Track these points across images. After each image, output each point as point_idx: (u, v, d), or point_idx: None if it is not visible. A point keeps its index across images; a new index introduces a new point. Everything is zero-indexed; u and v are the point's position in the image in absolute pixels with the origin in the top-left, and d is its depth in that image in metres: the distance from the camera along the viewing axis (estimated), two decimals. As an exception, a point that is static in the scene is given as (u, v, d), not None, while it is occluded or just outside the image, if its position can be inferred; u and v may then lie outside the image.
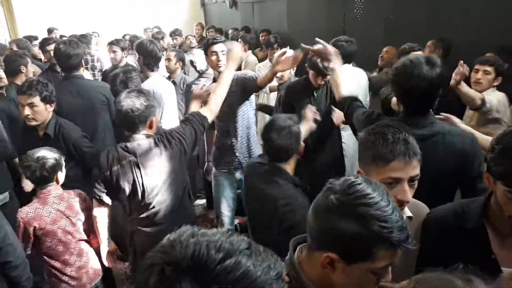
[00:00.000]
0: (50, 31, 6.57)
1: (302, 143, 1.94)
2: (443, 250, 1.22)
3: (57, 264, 2.14)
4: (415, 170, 1.23)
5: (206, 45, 2.72)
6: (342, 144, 3.01)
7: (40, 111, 2.41)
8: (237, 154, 2.86)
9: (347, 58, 3.41)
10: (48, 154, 2.08)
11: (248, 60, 5.26)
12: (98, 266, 2.28)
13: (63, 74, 3.15)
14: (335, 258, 0.89)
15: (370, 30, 4.43)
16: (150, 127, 2.03)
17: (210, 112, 2.23)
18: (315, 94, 2.79)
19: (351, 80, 3.29)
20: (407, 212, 1.32)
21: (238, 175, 2.93)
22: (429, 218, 1.36)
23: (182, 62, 4.07)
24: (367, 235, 0.85)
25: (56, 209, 2.09)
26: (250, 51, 5.49)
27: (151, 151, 2.00)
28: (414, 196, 1.30)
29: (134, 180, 2.01)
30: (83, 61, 3.15)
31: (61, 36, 6.21)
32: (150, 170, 2.01)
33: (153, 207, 2.07)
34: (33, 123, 2.43)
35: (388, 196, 0.91)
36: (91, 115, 2.93)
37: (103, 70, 4.66)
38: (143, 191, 2.03)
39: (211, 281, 0.58)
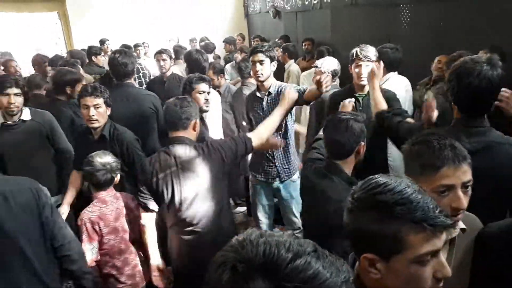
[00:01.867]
0: (102, 42, 6.93)
1: (362, 142, 1.82)
2: (501, 268, 1.16)
3: (118, 262, 2.21)
4: (467, 175, 1.19)
5: (249, 54, 2.80)
6: (388, 156, 2.94)
7: (103, 113, 2.54)
8: (276, 164, 2.88)
9: (391, 66, 3.35)
10: (110, 158, 2.21)
11: (291, 70, 5.27)
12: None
13: (115, 82, 3.32)
14: (371, 257, 0.87)
15: (417, 39, 4.31)
16: (194, 129, 2.13)
17: (257, 137, 2.28)
18: (360, 101, 2.75)
19: (396, 89, 3.22)
20: (461, 224, 1.26)
21: (276, 184, 2.95)
22: (485, 233, 1.29)
23: (222, 73, 4.12)
24: (389, 221, 0.83)
25: (115, 207, 2.20)
26: (292, 60, 5.50)
27: (191, 158, 2.06)
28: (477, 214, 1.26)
29: (173, 186, 2.05)
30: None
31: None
32: (190, 176, 2.05)
33: (192, 214, 2.09)
34: (96, 124, 2.53)
35: (410, 183, 0.88)
36: (140, 122, 3.05)
37: (149, 80, 4.84)
38: (181, 197, 2.07)
39: (283, 279, 0.59)
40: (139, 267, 2.30)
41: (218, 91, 3.96)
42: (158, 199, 2.13)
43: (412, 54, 3.70)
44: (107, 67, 4.13)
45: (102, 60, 5.54)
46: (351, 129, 1.77)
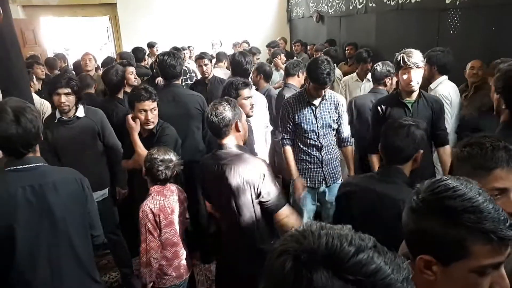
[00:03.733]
0: (151, 46, 7.19)
1: (421, 150, 1.80)
2: None
3: (169, 254, 2.28)
4: None
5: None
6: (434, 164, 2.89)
7: (157, 115, 2.69)
8: (323, 169, 2.92)
9: (442, 69, 3.28)
10: (172, 155, 2.32)
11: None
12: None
13: (163, 83, 3.46)
14: (429, 259, 0.86)
15: (467, 44, 4.17)
16: (237, 130, 2.10)
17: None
18: (410, 107, 2.69)
19: (449, 93, 3.15)
20: None
21: (322, 188, 2.98)
22: None
23: (264, 75, 4.13)
24: (455, 228, 0.81)
25: (172, 200, 2.29)
26: (334, 64, 5.44)
27: (228, 164, 2.03)
28: None
29: (218, 186, 2.09)
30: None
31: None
32: (234, 174, 2.03)
33: (238, 214, 2.09)
34: (151, 126, 2.68)
35: (481, 190, 0.85)
36: (185, 121, 3.16)
37: (192, 82, 4.97)
38: (227, 198, 2.08)
39: (346, 271, 0.60)
40: (184, 260, 2.38)
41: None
42: (208, 198, 2.29)
43: (460, 60, 3.58)
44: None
45: (149, 62, 5.76)
46: (412, 135, 1.75)
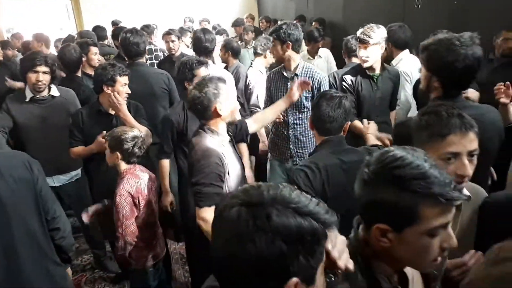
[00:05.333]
0: (114, 23, 6.91)
1: (349, 122, 1.93)
2: (505, 235, 1.18)
3: (147, 234, 2.26)
4: (473, 144, 1.21)
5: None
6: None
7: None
8: (291, 146, 2.90)
9: (400, 45, 3.32)
10: (135, 130, 2.26)
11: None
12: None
13: (127, 62, 3.33)
14: (384, 228, 0.90)
15: (431, 18, 4.23)
16: (217, 114, 1.97)
17: (255, 124, 2.40)
18: (375, 80, 2.79)
19: (410, 70, 3.19)
20: (466, 192, 1.28)
21: (289, 164, 2.97)
22: (488, 202, 1.32)
23: (232, 52, 4.05)
24: (406, 195, 0.85)
25: (146, 180, 2.25)
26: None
27: (200, 149, 1.96)
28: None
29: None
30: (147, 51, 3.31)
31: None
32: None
33: None
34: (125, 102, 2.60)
35: (426, 157, 0.90)
36: (150, 100, 3.07)
37: (160, 60, 4.84)
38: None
39: (290, 203, 0.73)
40: (161, 238, 2.39)
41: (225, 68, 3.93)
42: None
43: (426, 34, 3.63)
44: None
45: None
46: (343, 106, 1.86)
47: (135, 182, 2.19)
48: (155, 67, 4.42)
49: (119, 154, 2.20)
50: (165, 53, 4.91)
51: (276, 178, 3.04)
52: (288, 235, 0.69)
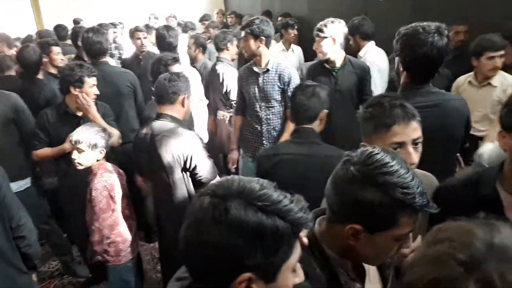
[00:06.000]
0: (76, 22, 6.70)
1: (325, 110, 1.97)
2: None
3: (123, 228, 2.23)
4: (417, 132, 1.26)
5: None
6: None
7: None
8: (264, 141, 2.90)
9: (364, 36, 3.41)
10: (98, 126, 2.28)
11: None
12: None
13: (89, 61, 3.24)
14: (359, 229, 0.90)
15: (394, 12, 4.33)
16: (182, 105, 2.13)
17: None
18: (334, 73, 2.83)
19: (376, 61, 3.27)
20: None
21: None
22: (442, 189, 1.37)
23: (202, 48, 4.08)
24: (390, 203, 0.86)
25: (117, 175, 2.24)
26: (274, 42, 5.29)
27: (164, 136, 2.06)
28: (434, 164, 1.36)
29: (151, 161, 2.10)
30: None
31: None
32: (165, 149, 2.06)
33: (172, 189, 2.11)
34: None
35: (406, 164, 0.92)
36: (116, 100, 3.01)
37: (124, 58, 4.74)
38: (159, 173, 2.09)
39: (255, 200, 0.73)
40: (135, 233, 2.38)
41: (194, 66, 3.90)
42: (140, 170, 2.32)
43: (389, 26, 3.71)
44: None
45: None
46: (317, 94, 1.93)
47: (109, 176, 2.19)
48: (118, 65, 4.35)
49: (102, 150, 2.20)
50: (121, 51, 4.82)
51: (249, 175, 3.05)
52: (245, 230, 0.70)
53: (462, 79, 2.86)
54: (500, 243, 0.50)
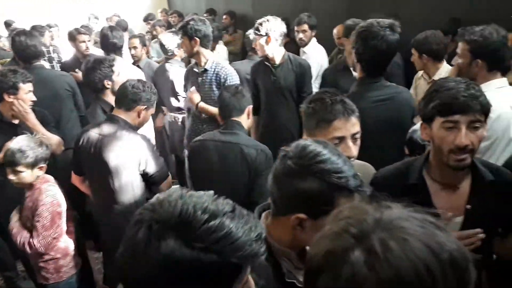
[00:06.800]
0: (8, 24, 6.28)
1: (250, 106, 2.17)
2: None
3: (63, 245, 2.13)
4: (355, 127, 1.33)
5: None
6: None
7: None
8: None
9: (314, 27, 3.63)
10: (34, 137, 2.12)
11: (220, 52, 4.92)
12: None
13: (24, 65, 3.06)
14: (303, 217, 0.94)
15: (336, 6, 4.48)
16: (139, 115, 2.11)
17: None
18: (273, 71, 2.89)
19: (317, 57, 3.37)
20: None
21: None
22: (376, 178, 1.44)
23: (146, 47, 4.07)
24: (328, 188, 0.92)
25: (59, 187, 2.12)
26: (220, 42, 5.12)
27: (112, 139, 2.03)
28: (389, 154, 1.46)
29: (95, 163, 2.07)
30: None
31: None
32: (113, 152, 2.02)
33: (113, 193, 2.08)
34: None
35: (336, 150, 0.99)
36: (55, 104, 2.89)
37: (62, 62, 4.52)
38: (104, 177, 2.05)
39: (195, 239, 0.64)
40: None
41: (138, 66, 3.81)
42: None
43: (331, 21, 3.82)
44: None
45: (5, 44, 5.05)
46: (240, 92, 2.13)
47: (55, 190, 2.08)
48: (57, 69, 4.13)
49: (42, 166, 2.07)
50: (60, 55, 4.61)
51: None
52: (179, 269, 0.65)
53: (420, 73, 2.98)
54: (387, 217, 0.56)
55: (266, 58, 2.88)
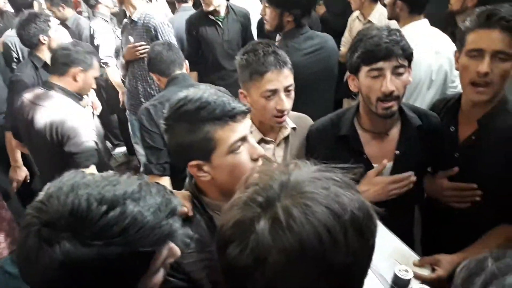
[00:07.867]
0: None
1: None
2: (324, 158, 1.38)
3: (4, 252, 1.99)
4: (288, 80, 1.32)
5: None
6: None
7: None
8: (142, 99, 2.77)
9: None
10: None
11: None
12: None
13: None
14: (196, 163, 0.95)
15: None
16: (75, 79, 1.94)
17: None
18: (220, 24, 2.77)
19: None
20: (290, 123, 1.42)
21: None
22: (311, 130, 1.46)
23: (65, 3, 3.56)
24: (197, 127, 0.91)
25: None
26: None
27: (46, 104, 1.88)
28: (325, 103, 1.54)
29: (28, 130, 1.95)
30: None
31: None
32: (41, 119, 1.88)
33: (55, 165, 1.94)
34: None
35: (209, 88, 0.99)
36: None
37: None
38: (37, 143, 1.95)
39: (92, 236, 0.57)
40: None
41: (65, 25, 3.53)
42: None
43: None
44: None
45: None
46: (172, 47, 2.03)
47: None
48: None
49: None
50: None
51: (136, 133, 2.95)
52: (82, 272, 0.58)
53: (355, 15, 2.98)
54: (293, 181, 0.57)
55: (209, 11, 2.71)
